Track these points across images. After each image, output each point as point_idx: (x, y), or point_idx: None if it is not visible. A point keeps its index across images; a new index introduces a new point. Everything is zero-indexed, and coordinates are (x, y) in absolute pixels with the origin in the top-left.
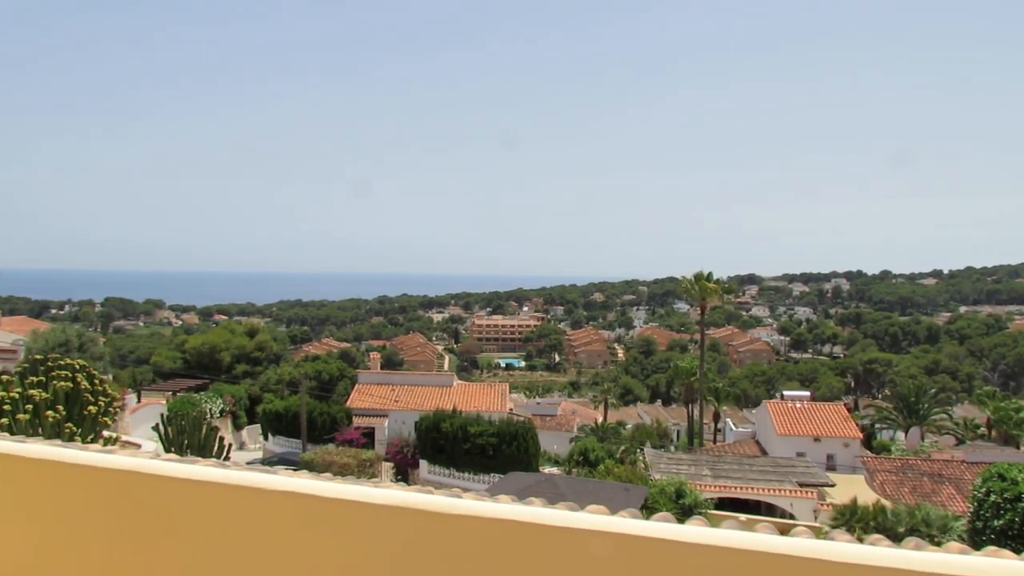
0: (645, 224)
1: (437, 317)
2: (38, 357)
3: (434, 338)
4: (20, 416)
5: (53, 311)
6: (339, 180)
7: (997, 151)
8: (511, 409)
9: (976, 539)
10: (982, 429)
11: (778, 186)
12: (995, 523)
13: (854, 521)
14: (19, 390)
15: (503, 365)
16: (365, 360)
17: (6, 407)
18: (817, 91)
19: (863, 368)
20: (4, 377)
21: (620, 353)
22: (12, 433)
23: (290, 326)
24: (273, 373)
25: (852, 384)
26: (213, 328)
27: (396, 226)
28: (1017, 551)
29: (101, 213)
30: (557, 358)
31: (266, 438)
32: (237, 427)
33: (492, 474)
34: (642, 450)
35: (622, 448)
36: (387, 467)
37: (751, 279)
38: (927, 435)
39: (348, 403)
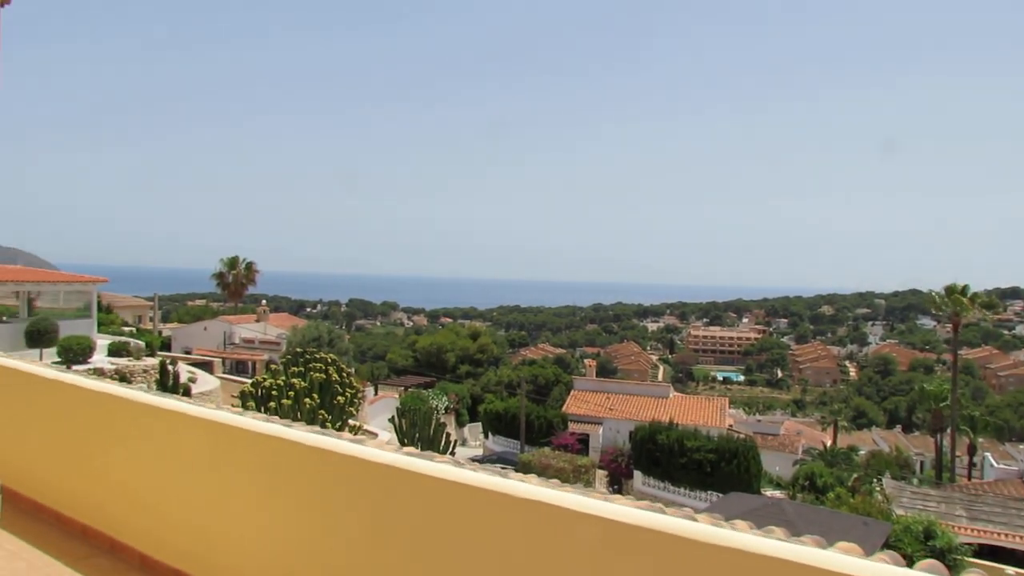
0: (883, 231)
1: (652, 326)
2: (298, 350)
3: (648, 347)
4: (284, 401)
5: (308, 309)
6: (560, 192)
7: None
8: (730, 425)
9: None
10: None
11: None
12: None
13: None
14: (283, 378)
15: (720, 378)
16: (579, 366)
17: (274, 392)
18: None
19: None
20: (272, 366)
21: (852, 371)
22: (278, 415)
23: (508, 330)
24: (493, 375)
25: None
26: (440, 330)
27: (612, 236)
28: None
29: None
30: (779, 374)
31: (486, 436)
32: (459, 424)
33: (708, 491)
34: (880, 480)
35: (854, 476)
36: (601, 475)
37: (1015, 293)
38: None
39: (564, 408)
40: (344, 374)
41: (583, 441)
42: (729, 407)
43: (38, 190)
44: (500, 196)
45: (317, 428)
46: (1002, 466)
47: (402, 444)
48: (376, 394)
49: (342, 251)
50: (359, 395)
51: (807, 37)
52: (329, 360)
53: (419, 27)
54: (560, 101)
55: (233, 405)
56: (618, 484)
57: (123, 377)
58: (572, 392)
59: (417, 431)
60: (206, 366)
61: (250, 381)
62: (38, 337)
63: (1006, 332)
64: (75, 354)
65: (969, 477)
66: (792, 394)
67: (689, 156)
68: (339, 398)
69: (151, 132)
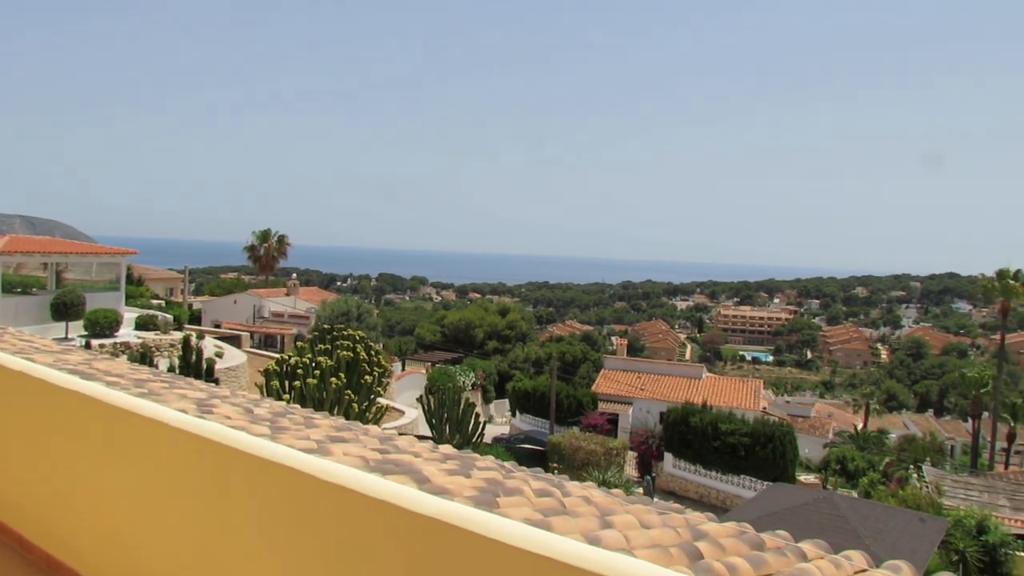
0: (917, 215)
1: (681, 305)
2: (325, 327)
3: (677, 326)
4: (310, 380)
5: (338, 283)
6: (596, 168)
7: None
8: (764, 408)
9: None
10: None
11: None
12: None
13: None
14: (309, 356)
15: (749, 358)
16: (607, 343)
17: (299, 371)
18: None
19: None
20: (298, 344)
21: (884, 354)
22: (303, 394)
23: (536, 307)
24: (521, 351)
25: None
26: (468, 305)
27: (647, 213)
28: None
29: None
30: (809, 355)
31: (513, 414)
32: (486, 401)
33: (742, 476)
34: (920, 467)
35: (887, 460)
36: (631, 456)
37: None
38: None
39: (594, 387)
40: (372, 352)
41: (612, 421)
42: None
43: (76, 162)
44: (533, 174)
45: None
46: None
47: (430, 425)
48: (403, 369)
49: (374, 225)
50: (387, 374)
51: (843, 28)
52: (357, 337)
53: None
54: (583, 80)
55: (256, 384)
56: (648, 466)
57: (144, 353)
58: (602, 371)
59: (446, 411)
60: (234, 340)
61: (276, 358)
62: (64, 310)
63: None
64: (101, 327)
65: (1006, 465)
66: (821, 375)
67: (728, 136)
68: (367, 377)
69: (190, 103)
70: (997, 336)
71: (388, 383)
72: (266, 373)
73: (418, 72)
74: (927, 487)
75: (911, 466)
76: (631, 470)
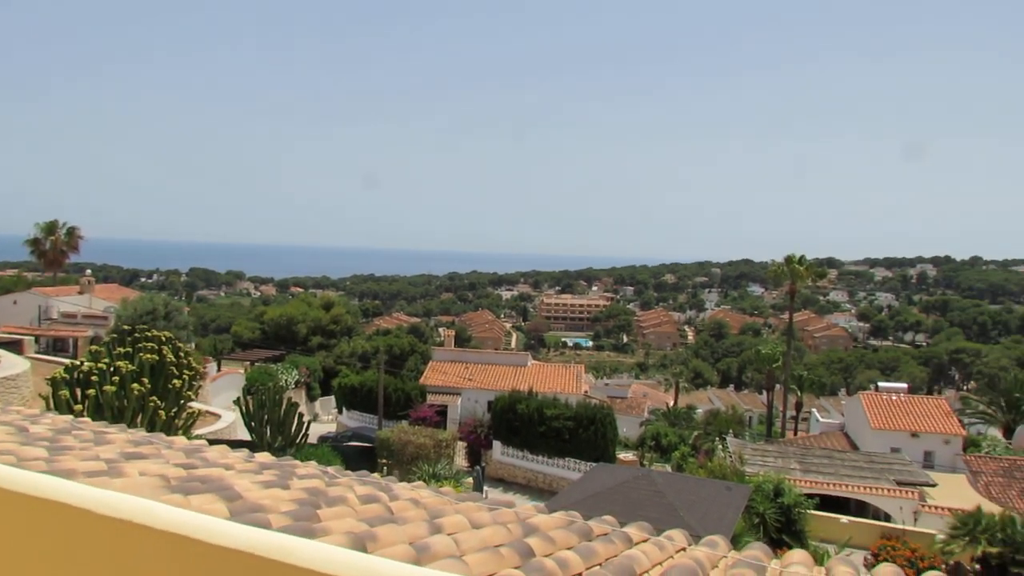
0: (719, 206)
1: (506, 295)
2: (127, 328)
3: (502, 315)
4: (107, 387)
5: (143, 280)
6: (415, 160)
7: None
8: (586, 391)
9: None
10: None
11: (860, 166)
12: None
13: (978, 532)
14: (107, 360)
15: (571, 344)
16: (435, 335)
17: (94, 377)
18: (903, 69)
19: (948, 358)
20: (93, 347)
21: (690, 335)
22: (99, 403)
23: (362, 300)
24: (347, 346)
25: (936, 375)
26: (290, 300)
27: (469, 206)
28: None
29: (184, 185)
30: (625, 339)
31: (340, 411)
32: (311, 399)
33: (567, 458)
34: (723, 439)
35: (695, 434)
36: (460, 447)
37: (830, 263)
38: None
39: (422, 380)
40: (181, 354)
41: (442, 413)
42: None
43: None
44: (357, 164)
45: None
46: (826, 420)
47: (249, 428)
48: (219, 370)
49: (185, 217)
50: (199, 376)
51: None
52: (164, 338)
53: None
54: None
55: (41, 395)
56: (478, 456)
57: None
58: (430, 363)
59: (266, 413)
60: (14, 345)
61: (66, 363)
62: None
63: (821, 298)
64: None
65: (795, 431)
66: (636, 358)
67: (538, 131)
68: (175, 381)
69: None
70: (786, 315)
71: (201, 386)
72: (53, 382)
73: (248, 62)
74: (730, 457)
75: (716, 438)
76: (461, 460)
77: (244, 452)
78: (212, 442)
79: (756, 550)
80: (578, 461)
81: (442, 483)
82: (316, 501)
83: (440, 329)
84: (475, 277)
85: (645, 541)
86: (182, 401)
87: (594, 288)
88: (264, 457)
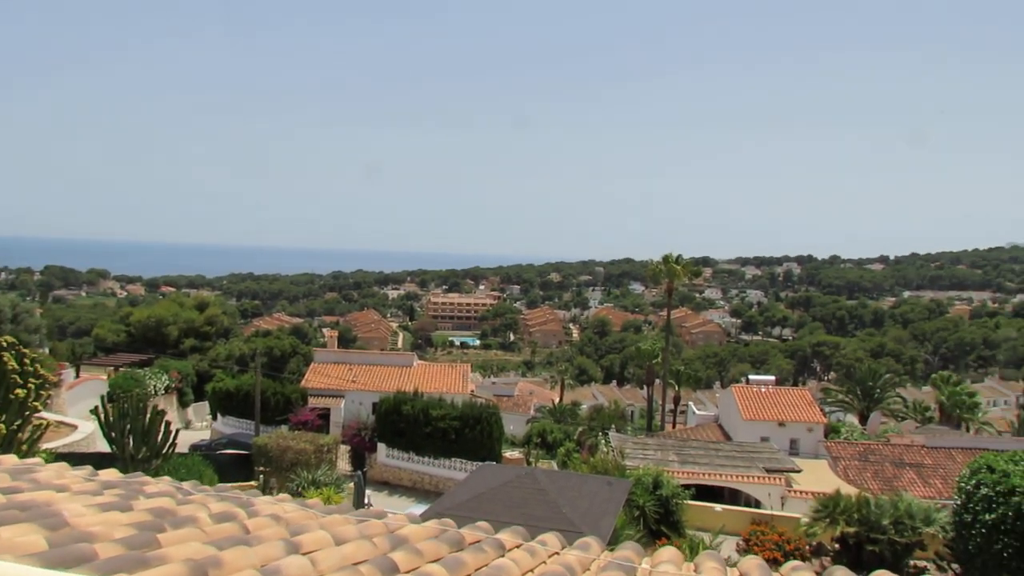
0: (603, 207)
1: (392, 294)
2: None
3: (389, 315)
4: None
5: None
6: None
7: (945, 149)
8: (472, 391)
9: (964, 533)
10: (931, 412)
11: (735, 171)
12: (986, 517)
13: (837, 513)
14: None
15: (458, 343)
16: (317, 336)
17: None
18: (776, 71)
19: (811, 351)
20: None
21: (575, 333)
22: None
23: (240, 300)
24: (223, 348)
25: (800, 366)
26: (160, 300)
27: (355, 204)
28: (1010, 546)
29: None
30: (512, 337)
31: (215, 417)
32: (183, 404)
33: (454, 459)
34: (606, 434)
35: (580, 430)
36: (343, 451)
37: (705, 262)
38: (880, 418)
39: (303, 383)
40: (27, 361)
41: (324, 416)
42: (470, 371)
43: None
44: (236, 154)
45: None
46: (701, 412)
47: (109, 439)
48: (78, 376)
49: (38, 211)
50: (47, 384)
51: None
52: (5, 344)
53: None
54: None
55: None
56: (362, 459)
57: None
58: (312, 365)
59: (128, 422)
60: None
61: None
62: None
63: (697, 296)
64: None
65: (674, 424)
66: (523, 356)
67: (423, 127)
68: (18, 392)
69: None
70: (664, 312)
71: (52, 395)
72: None
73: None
74: (612, 452)
75: (600, 433)
76: (344, 465)
77: (86, 470)
78: (61, 457)
79: (628, 550)
80: (464, 461)
81: (322, 490)
82: (160, 524)
83: (324, 330)
84: (360, 276)
85: (518, 547)
86: (27, 412)
87: (481, 287)
88: (110, 474)
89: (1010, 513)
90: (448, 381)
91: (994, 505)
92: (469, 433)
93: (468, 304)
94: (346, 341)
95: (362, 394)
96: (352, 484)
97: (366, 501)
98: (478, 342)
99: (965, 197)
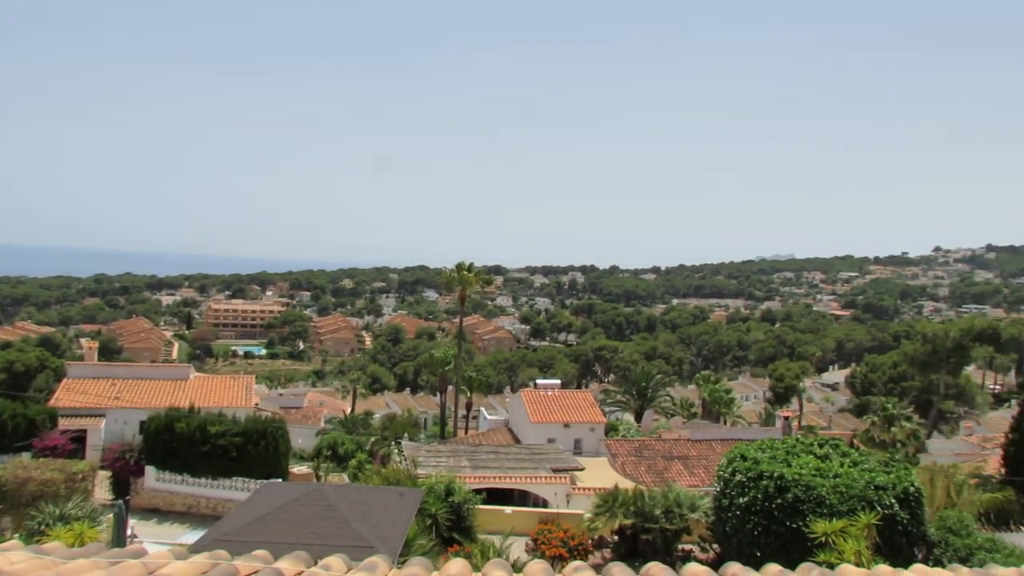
0: (397, 212)
1: (167, 300)
2: None
3: (162, 323)
4: None
5: None
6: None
7: (718, 168)
8: (257, 404)
9: (723, 516)
10: (695, 408)
11: (524, 182)
12: (740, 501)
13: (616, 507)
14: None
15: (242, 353)
16: (74, 348)
17: None
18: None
19: (593, 354)
20: None
21: (368, 341)
22: None
23: None
24: None
25: (583, 370)
26: None
27: (124, 197)
28: (759, 525)
29: None
30: (302, 346)
31: None
32: None
33: (235, 478)
34: (399, 443)
35: (372, 439)
36: (103, 477)
37: (497, 270)
38: (653, 416)
39: (53, 401)
40: None
41: (79, 440)
42: (254, 383)
43: None
44: None
45: None
46: (493, 417)
47: None
48: None
49: None
50: None
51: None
52: None
53: None
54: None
55: None
56: (126, 486)
57: None
58: (64, 380)
59: None
60: None
61: None
62: None
63: (489, 303)
64: None
65: (467, 430)
66: (313, 365)
67: (208, 124)
68: None
69: None
70: (457, 319)
71: None
72: None
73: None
74: (405, 461)
75: (393, 442)
76: (104, 493)
77: None
78: None
79: (416, 567)
80: (247, 480)
81: (73, 526)
82: None
83: (82, 340)
84: (128, 279)
85: (299, 575)
86: None
87: (268, 293)
88: None
89: (759, 496)
90: (229, 394)
91: (746, 489)
92: (252, 450)
93: (253, 311)
94: (110, 352)
95: (128, 412)
96: (112, 516)
97: (129, 533)
98: (264, 351)
99: (721, 215)
